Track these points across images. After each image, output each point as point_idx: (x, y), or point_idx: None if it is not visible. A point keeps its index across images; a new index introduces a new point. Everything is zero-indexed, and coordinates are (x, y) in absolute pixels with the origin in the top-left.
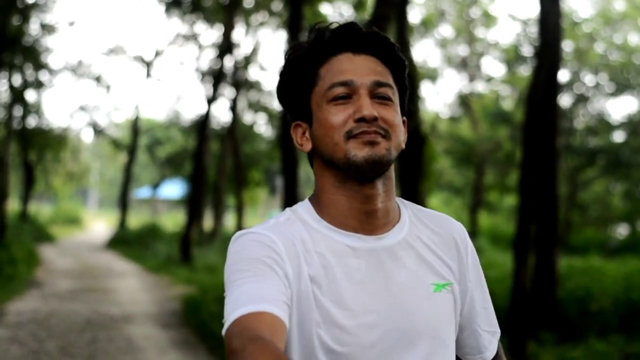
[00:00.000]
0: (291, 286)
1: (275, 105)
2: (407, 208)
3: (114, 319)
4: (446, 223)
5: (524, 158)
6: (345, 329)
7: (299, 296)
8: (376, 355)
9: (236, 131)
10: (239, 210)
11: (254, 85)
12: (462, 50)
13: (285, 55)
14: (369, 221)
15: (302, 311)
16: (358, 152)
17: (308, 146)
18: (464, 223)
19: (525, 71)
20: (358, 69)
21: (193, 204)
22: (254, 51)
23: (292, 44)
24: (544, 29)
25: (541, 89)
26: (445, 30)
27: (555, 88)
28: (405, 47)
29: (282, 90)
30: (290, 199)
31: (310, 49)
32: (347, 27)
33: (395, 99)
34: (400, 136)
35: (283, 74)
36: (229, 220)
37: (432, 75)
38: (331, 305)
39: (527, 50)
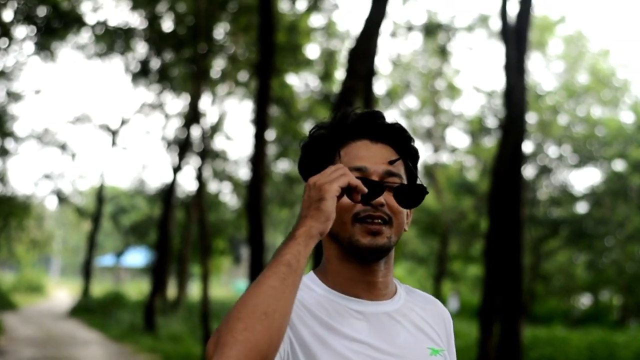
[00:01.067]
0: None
1: (241, 175)
2: (400, 285)
3: None
4: (435, 303)
5: (490, 228)
6: None
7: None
8: None
9: (202, 200)
10: (205, 279)
11: (219, 155)
12: (427, 121)
13: (310, 132)
14: (370, 290)
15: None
16: (361, 238)
17: None
18: (427, 292)
19: (489, 142)
20: (373, 157)
21: (157, 273)
22: (220, 120)
23: (319, 122)
24: (510, 102)
25: (507, 160)
26: (411, 101)
27: (520, 159)
28: None
29: (304, 163)
30: (256, 267)
31: (334, 131)
32: (370, 115)
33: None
34: (403, 221)
35: (306, 149)
36: (193, 289)
37: None
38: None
39: (491, 122)
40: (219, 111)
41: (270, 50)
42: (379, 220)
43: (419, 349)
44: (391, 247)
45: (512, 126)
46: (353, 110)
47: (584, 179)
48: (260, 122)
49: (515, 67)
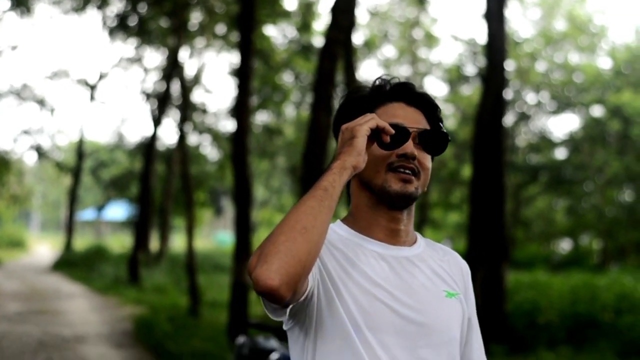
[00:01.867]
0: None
1: (220, 127)
2: (421, 237)
3: (66, 339)
4: (453, 254)
5: (474, 175)
6: (366, 310)
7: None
8: (397, 339)
9: (184, 152)
10: (189, 231)
11: (199, 107)
12: (405, 70)
13: (348, 94)
14: (393, 236)
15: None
16: (393, 184)
17: None
18: None
19: (467, 90)
20: (408, 116)
21: (140, 226)
22: (199, 73)
23: (355, 87)
24: (491, 50)
25: (489, 109)
26: (389, 51)
27: (502, 108)
28: (351, 69)
29: (340, 119)
30: (242, 217)
31: (373, 93)
32: (406, 84)
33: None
34: (428, 177)
35: (344, 107)
36: (175, 241)
37: None
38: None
39: (470, 70)
40: (198, 64)
41: (251, 2)
42: (409, 172)
43: (434, 291)
44: (417, 197)
45: (494, 75)
46: (390, 79)
47: (563, 125)
48: (243, 74)
49: (496, 16)
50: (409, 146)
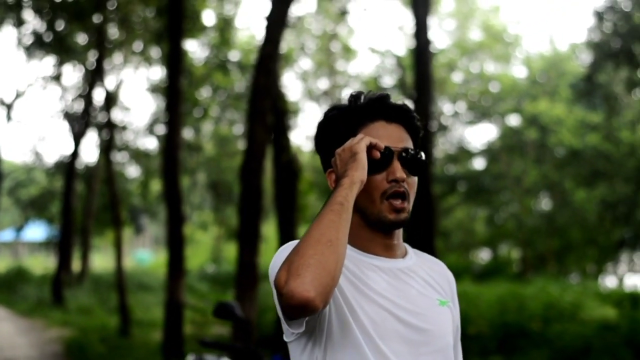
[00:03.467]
0: None
1: (139, 144)
2: (410, 248)
3: None
4: (441, 264)
5: None
6: (374, 320)
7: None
8: (403, 346)
9: (110, 170)
10: (118, 249)
11: (118, 125)
12: (323, 83)
13: (325, 113)
14: (386, 250)
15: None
16: (388, 214)
17: None
18: None
19: None
20: (392, 136)
21: (62, 246)
22: (117, 90)
23: (332, 105)
24: (420, 62)
25: (421, 118)
26: (306, 63)
27: (429, 117)
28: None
29: (324, 140)
30: (174, 231)
31: (350, 112)
32: (382, 98)
33: None
34: (414, 195)
35: (323, 128)
36: (95, 261)
37: (294, 109)
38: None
39: (387, 81)
40: (117, 80)
41: (180, 14)
42: (401, 199)
43: (430, 299)
44: (409, 219)
45: (424, 85)
46: (362, 94)
47: (480, 135)
48: (173, 88)
49: (423, 27)
50: (398, 170)
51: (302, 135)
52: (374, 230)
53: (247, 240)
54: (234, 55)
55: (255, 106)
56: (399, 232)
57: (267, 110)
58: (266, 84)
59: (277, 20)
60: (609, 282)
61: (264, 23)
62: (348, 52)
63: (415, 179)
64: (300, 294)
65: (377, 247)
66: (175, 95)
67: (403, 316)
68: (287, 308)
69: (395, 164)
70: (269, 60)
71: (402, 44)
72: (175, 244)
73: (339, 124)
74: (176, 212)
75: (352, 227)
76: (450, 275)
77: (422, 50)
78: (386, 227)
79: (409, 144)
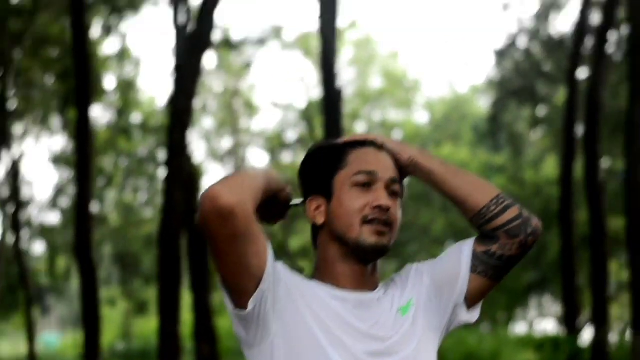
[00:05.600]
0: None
1: (46, 220)
2: (383, 283)
3: None
4: (405, 269)
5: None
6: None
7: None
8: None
9: (18, 249)
10: (30, 333)
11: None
12: (226, 142)
13: (313, 146)
14: (360, 283)
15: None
16: (368, 238)
17: (321, 219)
18: None
19: (288, 158)
20: (381, 163)
21: None
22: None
23: (316, 143)
24: (329, 110)
25: None
26: (207, 122)
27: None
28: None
29: (308, 167)
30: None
31: (337, 144)
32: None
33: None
34: (398, 228)
35: (312, 155)
36: (2, 347)
37: (200, 171)
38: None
39: (290, 136)
40: (17, 153)
41: (86, 76)
42: (383, 224)
43: (389, 313)
44: (389, 249)
45: (336, 136)
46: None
47: None
48: (83, 157)
49: (332, 77)
50: (383, 197)
51: None
52: (348, 260)
53: (167, 310)
54: (136, 118)
55: (172, 165)
56: (373, 266)
57: (185, 169)
58: (182, 140)
59: (191, 71)
60: (519, 328)
61: (174, 75)
62: (250, 109)
63: (400, 211)
64: (220, 190)
65: (347, 280)
66: (85, 163)
67: (355, 323)
68: (209, 213)
69: (382, 191)
70: (183, 114)
71: (304, 96)
72: (90, 323)
73: (330, 150)
74: (91, 292)
75: (325, 260)
76: (413, 266)
77: (331, 101)
78: (366, 252)
79: (397, 176)
